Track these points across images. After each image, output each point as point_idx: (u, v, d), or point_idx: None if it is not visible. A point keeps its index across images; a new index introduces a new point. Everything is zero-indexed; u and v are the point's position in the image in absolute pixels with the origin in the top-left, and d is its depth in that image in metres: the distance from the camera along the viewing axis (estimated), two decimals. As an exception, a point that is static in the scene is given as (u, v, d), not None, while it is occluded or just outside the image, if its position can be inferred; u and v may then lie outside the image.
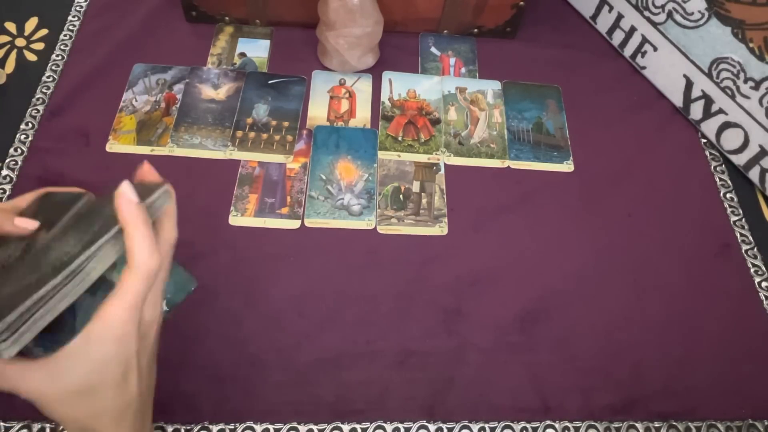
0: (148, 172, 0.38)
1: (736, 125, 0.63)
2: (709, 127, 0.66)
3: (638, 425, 0.49)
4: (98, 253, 0.32)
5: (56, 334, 0.33)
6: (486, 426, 0.48)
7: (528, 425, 0.48)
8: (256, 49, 0.68)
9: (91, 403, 0.34)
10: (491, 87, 0.68)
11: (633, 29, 0.69)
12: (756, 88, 0.59)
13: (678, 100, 0.68)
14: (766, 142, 0.60)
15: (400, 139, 0.63)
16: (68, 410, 0.33)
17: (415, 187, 0.60)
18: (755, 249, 0.59)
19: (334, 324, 0.51)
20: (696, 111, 0.66)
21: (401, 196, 0.59)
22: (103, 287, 0.35)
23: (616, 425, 0.49)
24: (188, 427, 0.46)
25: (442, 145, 0.63)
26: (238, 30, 0.70)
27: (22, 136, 0.59)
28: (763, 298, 0.56)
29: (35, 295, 0.30)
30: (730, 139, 0.64)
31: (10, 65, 0.65)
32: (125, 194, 0.33)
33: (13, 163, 0.58)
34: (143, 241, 0.33)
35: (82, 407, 0.34)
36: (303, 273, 0.54)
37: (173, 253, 0.38)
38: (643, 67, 0.70)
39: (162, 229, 0.37)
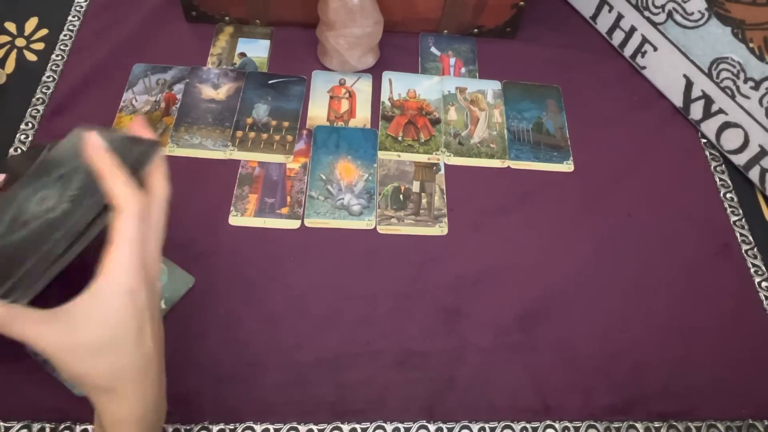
0: (140, 127, 0.39)
1: (736, 125, 0.63)
2: (709, 127, 0.66)
3: (638, 425, 0.49)
4: (82, 209, 0.33)
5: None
6: (486, 426, 0.48)
7: (528, 425, 0.48)
8: (256, 49, 0.68)
9: (111, 360, 0.33)
10: (491, 87, 0.68)
11: (633, 29, 0.69)
12: (756, 88, 0.59)
13: (678, 100, 0.68)
14: (766, 142, 0.60)
15: (400, 139, 0.63)
16: (88, 368, 0.33)
17: (415, 187, 0.60)
18: (755, 249, 0.59)
19: (334, 324, 0.51)
20: (696, 111, 0.66)
21: (401, 196, 0.59)
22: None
23: (616, 425, 0.49)
24: (188, 427, 0.46)
25: (442, 145, 0.63)
26: (238, 30, 0.70)
27: (22, 136, 0.59)
28: (763, 298, 0.56)
29: (44, 248, 0.32)
30: (730, 139, 0.64)
31: (10, 65, 0.65)
32: (92, 144, 0.34)
33: (13, 163, 0.58)
34: (121, 183, 0.33)
35: (102, 364, 0.33)
36: (303, 273, 0.54)
37: (170, 249, 0.39)
38: (643, 67, 0.70)
39: (151, 184, 0.37)
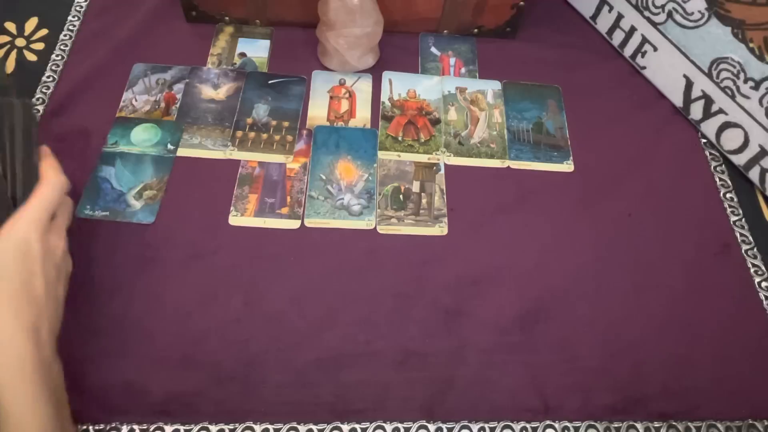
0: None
1: (736, 125, 0.63)
2: (709, 127, 0.66)
3: (638, 425, 0.49)
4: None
5: None
6: (486, 426, 0.48)
7: (528, 425, 0.48)
8: (256, 49, 0.68)
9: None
10: (491, 87, 0.68)
11: (633, 29, 0.69)
12: (756, 88, 0.59)
13: (678, 100, 0.68)
14: (766, 142, 0.60)
15: (400, 139, 0.63)
16: None
17: (415, 187, 0.60)
18: (755, 249, 0.59)
19: (334, 324, 0.51)
20: (696, 111, 0.66)
21: (401, 196, 0.59)
22: None
23: (616, 425, 0.49)
24: (188, 427, 0.46)
25: (442, 145, 0.63)
26: (238, 30, 0.70)
27: (22, 136, 0.59)
28: (763, 298, 0.56)
29: None
30: (730, 139, 0.64)
31: (10, 65, 0.65)
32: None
33: (13, 163, 0.57)
34: (51, 163, 0.45)
35: None
36: (303, 273, 0.54)
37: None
38: (643, 67, 0.70)
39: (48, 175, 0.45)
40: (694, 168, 0.65)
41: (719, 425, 0.49)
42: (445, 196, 0.59)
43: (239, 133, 0.61)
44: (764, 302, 0.56)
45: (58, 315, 0.43)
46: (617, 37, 0.72)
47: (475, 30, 0.72)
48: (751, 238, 0.60)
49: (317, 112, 0.64)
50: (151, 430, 0.46)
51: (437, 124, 0.64)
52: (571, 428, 0.49)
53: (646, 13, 0.66)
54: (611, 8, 0.70)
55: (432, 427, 0.48)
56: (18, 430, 0.36)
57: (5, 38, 0.67)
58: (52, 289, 0.42)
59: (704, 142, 0.66)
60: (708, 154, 0.66)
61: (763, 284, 0.57)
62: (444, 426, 0.48)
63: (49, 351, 0.40)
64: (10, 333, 0.38)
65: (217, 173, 0.59)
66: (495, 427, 0.48)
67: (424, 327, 0.52)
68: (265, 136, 0.61)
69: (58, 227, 0.44)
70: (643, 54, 0.69)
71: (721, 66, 0.61)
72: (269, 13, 0.69)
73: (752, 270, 0.58)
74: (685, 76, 0.66)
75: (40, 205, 0.42)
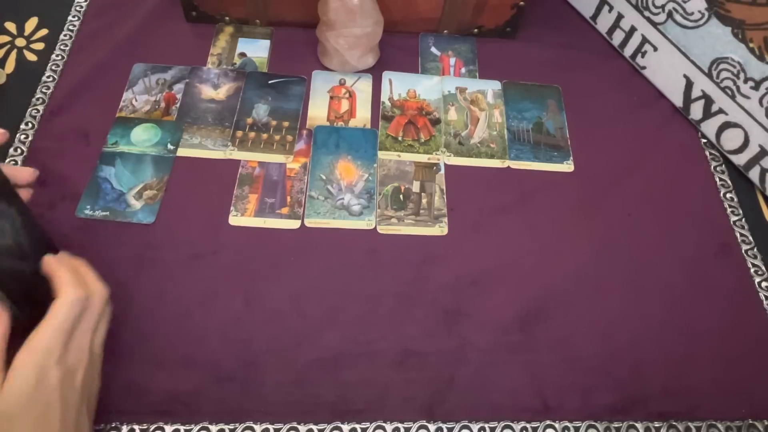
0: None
1: (736, 125, 0.63)
2: (709, 127, 0.66)
3: (638, 425, 0.49)
4: None
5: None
6: (486, 426, 0.48)
7: (528, 425, 0.48)
8: (256, 49, 0.69)
9: None
10: (491, 87, 0.68)
11: (633, 29, 0.69)
12: (756, 88, 0.59)
13: (678, 100, 0.68)
14: (766, 142, 0.60)
15: (400, 139, 0.63)
16: None
17: (415, 187, 0.60)
18: (755, 249, 0.59)
19: (334, 324, 0.51)
20: (696, 111, 0.66)
21: (401, 196, 0.59)
22: None
23: (616, 425, 0.49)
24: (188, 427, 0.46)
25: (442, 145, 0.63)
26: (238, 30, 0.70)
27: (22, 136, 0.59)
28: (763, 298, 0.56)
29: None
30: (730, 139, 0.64)
31: (10, 65, 0.65)
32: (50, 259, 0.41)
33: (13, 163, 0.58)
34: (66, 274, 0.40)
35: None
36: (303, 273, 0.54)
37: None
38: (643, 67, 0.70)
39: (89, 285, 0.42)
40: (694, 168, 0.65)
41: (719, 425, 0.49)
42: (445, 196, 0.59)
43: (239, 133, 0.61)
44: (764, 302, 0.56)
45: None
46: (617, 37, 0.72)
47: (475, 30, 0.72)
48: (751, 238, 0.60)
49: (317, 112, 0.64)
50: (151, 430, 0.46)
51: (437, 124, 0.64)
52: (571, 428, 0.49)
53: (646, 13, 0.66)
54: (611, 8, 0.70)
55: (432, 427, 0.48)
56: None
57: (5, 38, 0.67)
58: (73, 413, 0.38)
59: (704, 142, 0.67)
60: (708, 154, 0.66)
61: (763, 284, 0.57)
62: (444, 426, 0.48)
63: None
64: None
65: (217, 173, 0.59)
66: (495, 427, 0.48)
67: (424, 327, 0.52)
68: (265, 136, 0.61)
69: (84, 334, 0.40)
70: (643, 54, 0.69)
71: (721, 66, 0.61)
72: (269, 13, 0.69)
73: (752, 270, 0.58)
74: (685, 76, 0.66)
75: (53, 330, 0.37)
